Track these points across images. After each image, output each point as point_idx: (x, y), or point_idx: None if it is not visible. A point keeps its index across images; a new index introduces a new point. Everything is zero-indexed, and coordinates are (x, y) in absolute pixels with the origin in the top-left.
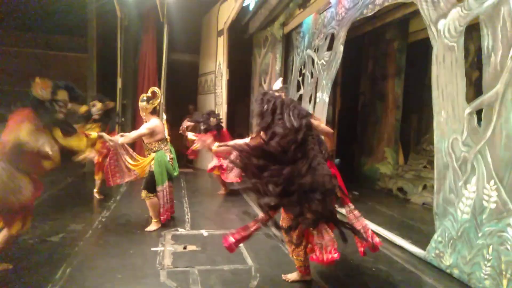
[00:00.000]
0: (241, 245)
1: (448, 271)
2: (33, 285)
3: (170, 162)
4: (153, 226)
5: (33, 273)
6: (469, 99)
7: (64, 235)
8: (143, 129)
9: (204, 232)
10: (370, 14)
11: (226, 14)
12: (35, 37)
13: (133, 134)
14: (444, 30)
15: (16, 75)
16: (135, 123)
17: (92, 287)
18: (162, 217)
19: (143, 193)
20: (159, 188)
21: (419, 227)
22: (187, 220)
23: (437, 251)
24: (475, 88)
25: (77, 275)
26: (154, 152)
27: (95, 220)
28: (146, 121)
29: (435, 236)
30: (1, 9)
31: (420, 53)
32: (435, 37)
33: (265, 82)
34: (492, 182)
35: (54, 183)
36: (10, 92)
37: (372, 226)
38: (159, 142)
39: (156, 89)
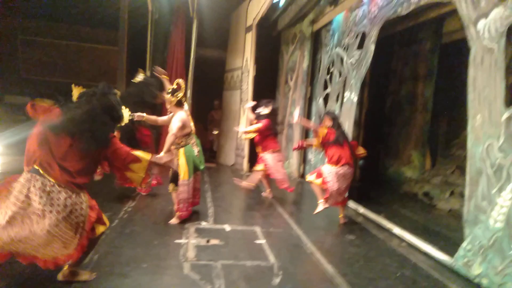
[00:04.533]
0: (264, 242)
1: (476, 280)
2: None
3: (197, 156)
4: (176, 220)
5: None
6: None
7: None
8: (177, 123)
9: (227, 227)
10: (404, 13)
11: (255, 10)
12: (67, 29)
13: (173, 131)
14: (484, 31)
15: (48, 66)
16: (161, 116)
17: (118, 274)
18: (181, 213)
19: (171, 186)
20: (184, 182)
21: (446, 234)
22: (210, 214)
23: (465, 260)
24: (510, 93)
25: (104, 262)
26: (181, 147)
27: (121, 210)
28: (171, 113)
29: (464, 244)
30: None
31: (453, 54)
32: (474, 38)
33: (291, 80)
34: None
35: None
36: (42, 82)
37: (396, 230)
38: (186, 137)
39: (180, 81)
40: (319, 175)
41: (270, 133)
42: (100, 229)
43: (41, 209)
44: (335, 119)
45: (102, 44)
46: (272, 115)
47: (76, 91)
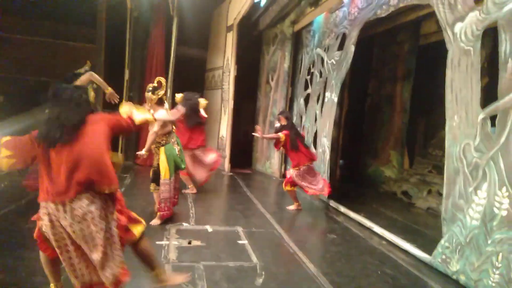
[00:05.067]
0: (246, 242)
1: (454, 277)
2: (40, 274)
3: (178, 155)
4: (157, 220)
5: (39, 262)
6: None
7: None
8: (159, 121)
9: (209, 228)
10: (384, 15)
11: (236, 9)
12: (43, 26)
13: (154, 129)
14: (461, 34)
15: (24, 64)
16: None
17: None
18: (163, 213)
19: (152, 186)
20: (165, 181)
21: (424, 232)
22: (191, 215)
23: (443, 257)
24: (484, 94)
25: None
26: (162, 145)
27: None
28: (151, 111)
29: (442, 241)
30: None
31: (430, 56)
32: (451, 40)
33: (272, 80)
34: (504, 189)
35: None
36: (18, 80)
37: (376, 228)
38: (167, 135)
39: (162, 79)
40: (286, 182)
41: (183, 126)
42: (138, 229)
43: (81, 237)
44: (288, 118)
45: (79, 42)
46: (187, 103)
47: None
